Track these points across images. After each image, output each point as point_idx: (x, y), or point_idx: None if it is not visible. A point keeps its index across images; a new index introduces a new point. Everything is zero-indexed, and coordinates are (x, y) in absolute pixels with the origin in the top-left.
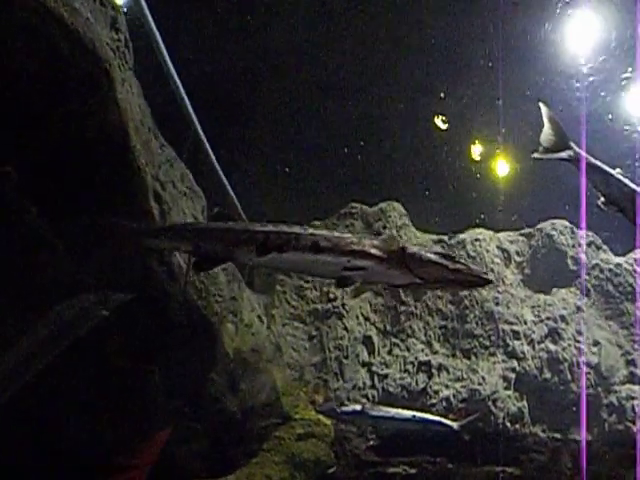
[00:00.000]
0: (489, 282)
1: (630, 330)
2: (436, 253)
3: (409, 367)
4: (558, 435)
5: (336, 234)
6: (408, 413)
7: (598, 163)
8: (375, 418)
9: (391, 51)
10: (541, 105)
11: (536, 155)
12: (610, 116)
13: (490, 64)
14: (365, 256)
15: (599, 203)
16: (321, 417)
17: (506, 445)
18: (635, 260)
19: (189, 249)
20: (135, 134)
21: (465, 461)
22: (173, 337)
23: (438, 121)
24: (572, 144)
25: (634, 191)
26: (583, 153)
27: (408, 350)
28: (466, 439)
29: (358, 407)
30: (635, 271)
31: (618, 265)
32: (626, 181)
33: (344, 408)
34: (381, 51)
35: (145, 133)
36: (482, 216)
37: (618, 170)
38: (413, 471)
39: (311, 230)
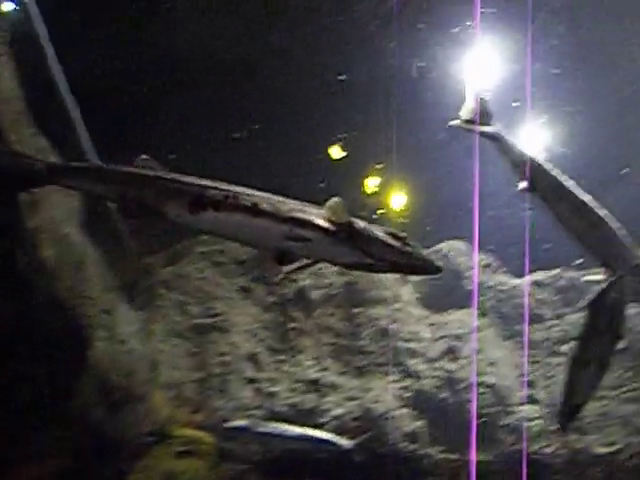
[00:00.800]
0: (439, 270)
1: (527, 352)
2: (387, 232)
3: (298, 385)
4: (456, 456)
5: (280, 198)
6: (297, 430)
7: (519, 145)
8: (261, 435)
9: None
10: (465, 80)
11: (452, 123)
12: None
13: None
14: (309, 226)
15: (519, 187)
16: (203, 434)
17: (403, 467)
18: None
19: (113, 194)
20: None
21: None
22: (35, 336)
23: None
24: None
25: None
26: (504, 132)
27: (297, 367)
28: (358, 460)
29: (243, 423)
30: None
31: (514, 287)
32: (547, 165)
33: (228, 424)
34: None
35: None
36: None
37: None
38: None
39: (252, 191)
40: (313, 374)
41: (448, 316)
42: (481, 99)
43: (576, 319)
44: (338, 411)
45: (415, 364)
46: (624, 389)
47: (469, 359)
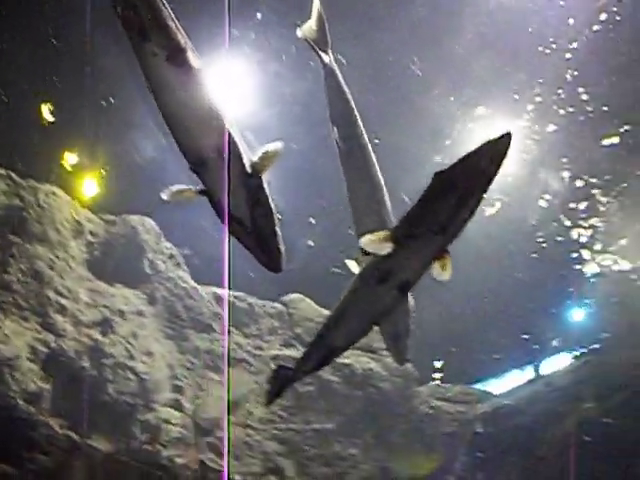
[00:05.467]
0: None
1: (186, 357)
2: None
3: None
4: (76, 437)
5: None
6: None
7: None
8: None
9: None
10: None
11: (299, 33)
12: None
13: None
14: None
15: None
16: None
17: (11, 428)
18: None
19: None
20: None
21: None
22: None
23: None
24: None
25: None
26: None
27: None
28: None
29: None
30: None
31: (195, 289)
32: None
33: None
34: None
35: None
36: None
37: None
38: None
39: None
40: None
41: (115, 290)
42: (323, 21)
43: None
44: None
45: (62, 322)
46: (273, 426)
47: (123, 338)
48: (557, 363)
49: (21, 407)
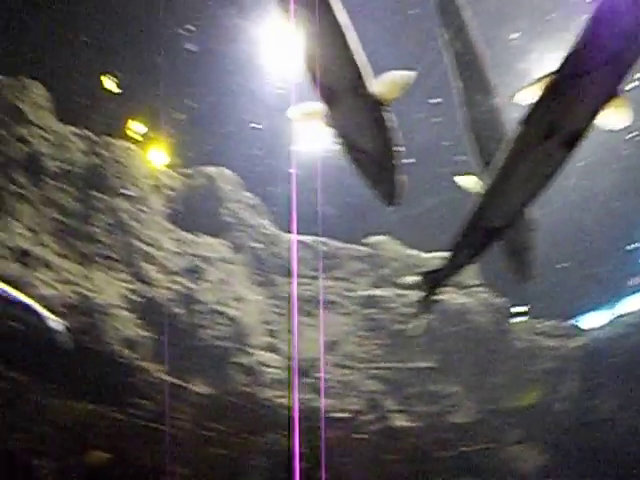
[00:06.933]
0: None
1: (276, 302)
2: None
3: (2, 251)
4: (177, 381)
5: None
6: None
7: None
8: None
9: None
10: None
11: None
12: None
13: None
14: None
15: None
16: None
17: (113, 372)
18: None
19: None
20: None
21: (56, 387)
22: None
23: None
24: None
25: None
26: None
27: (5, 233)
28: (66, 350)
29: None
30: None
31: (278, 235)
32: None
33: None
34: None
35: None
36: None
37: None
38: None
39: None
40: (24, 244)
41: (199, 239)
42: None
43: (327, 287)
44: (47, 291)
45: (152, 271)
46: (372, 365)
47: (213, 284)
48: None
49: (119, 353)
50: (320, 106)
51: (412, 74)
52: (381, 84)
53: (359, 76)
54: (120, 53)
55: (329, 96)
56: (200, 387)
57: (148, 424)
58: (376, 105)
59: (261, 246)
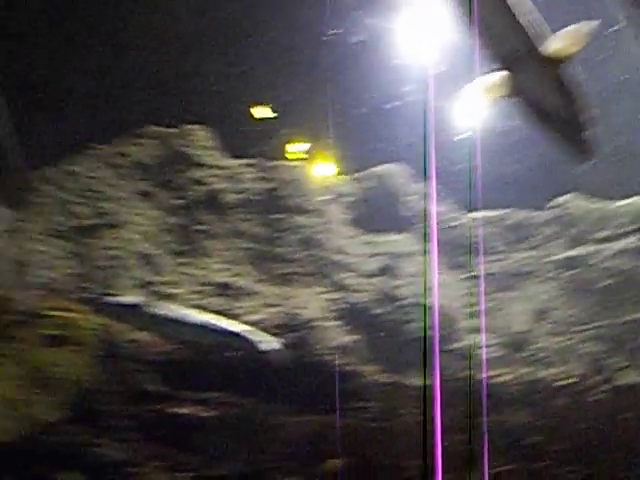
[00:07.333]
0: None
1: (472, 283)
2: None
3: (203, 288)
4: (394, 379)
5: None
6: (202, 317)
7: None
8: (156, 318)
9: None
10: None
11: None
12: None
13: None
14: None
15: None
16: (80, 317)
17: (329, 382)
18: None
19: None
20: None
21: (281, 405)
22: None
23: None
24: None
25: None
26: None
27: (203, 270)
28: (282, 370)
29: (135, 299)
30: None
31: (456, 218)
32: None
33: (115, 298)
34: None
35: None
36: None
37: None
38: (206, 414)
39: None
40: (222, 278)
41: (381, 237)
42: None
43: (522, 258)
44: (254, 317)
45: (345, 277)
46: (586, 327)
47: (407, 279)
48: None
49: (334, 362)
50: (499, 76)
51: (592, 24)
52: (560, 40)
53: (535, 37)
54: (266, 78)
55: (508, 63)
56: (418, 381)
57: (378, 425)
58: (557, 63)
59: (446, 231)
